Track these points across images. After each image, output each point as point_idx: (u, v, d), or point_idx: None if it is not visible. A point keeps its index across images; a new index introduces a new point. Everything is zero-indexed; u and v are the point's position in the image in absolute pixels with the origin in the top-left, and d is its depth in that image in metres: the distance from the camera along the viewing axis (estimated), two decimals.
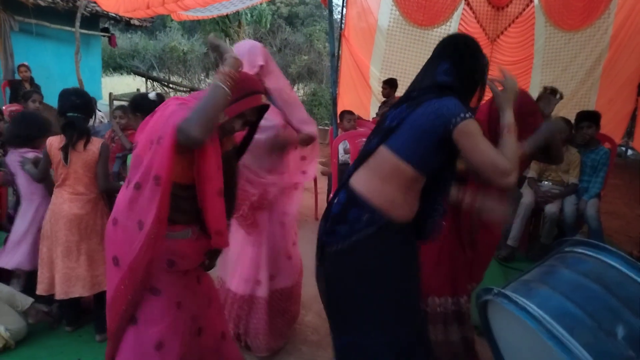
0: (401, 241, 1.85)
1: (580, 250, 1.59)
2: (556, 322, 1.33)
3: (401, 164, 1.76)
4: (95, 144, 2.90)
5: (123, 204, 1.83)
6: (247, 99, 1.85)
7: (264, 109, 2.00)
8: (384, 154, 1.80)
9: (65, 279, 2.79)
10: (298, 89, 16.99)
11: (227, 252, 2.60)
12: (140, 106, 3.00)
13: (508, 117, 1.85)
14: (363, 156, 1.87)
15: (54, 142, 2.89)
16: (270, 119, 2.47)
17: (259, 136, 2.41)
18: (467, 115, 1.68)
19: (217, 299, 2.20)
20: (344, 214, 1.84)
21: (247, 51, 2.46)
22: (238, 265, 2.69)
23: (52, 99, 9.40)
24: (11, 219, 3.41)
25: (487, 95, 2.13)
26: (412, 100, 1.80)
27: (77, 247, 2.82)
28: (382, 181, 1.79)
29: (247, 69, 2.31)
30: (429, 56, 1.95)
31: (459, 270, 2.52)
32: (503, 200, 2.22)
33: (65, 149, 2.82)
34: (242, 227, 2.64)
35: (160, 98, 3.04)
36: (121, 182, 2.85)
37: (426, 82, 1.86)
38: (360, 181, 1.84)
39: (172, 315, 1.88)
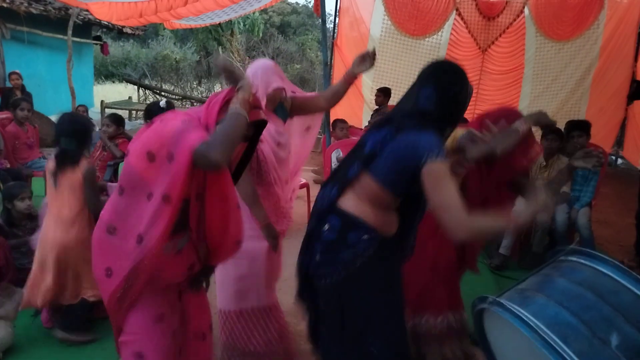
0: (394, 255, 1.90)
1: (574, 259, 1.60)
2: (550, 331, 1.34)
3: (382, 190, 1.78)
4: (82, 166, 2.85)
5: (118, 213, 1.81)
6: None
7: (262, 124, 1.96)
8: (367, 180, 1.80)
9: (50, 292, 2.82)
10: None
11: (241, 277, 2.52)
12: (153, 113, 3.04)
13: (524, 216, 1.63)
14: (346, 180, 1.84)
15: (50, 165, 2.90)
16: (286, 136, 2.50)
17: (282, 154, 2.46)
18: (441, 157, 1.64)
19: (200, 324, 2.08)
20: (342, 240, 1.80)
21: (260, 72, 2.39)
22: (261, 280, 2.59)
23: (44, 107, 9.39)
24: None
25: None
26: (393, 126, 1.78)
27: (65, 275, 2.83)
28: (370, 203, 1.81)
29: (261, 90, 2.32)
30: (420, 66, 1.95)
31: (455, 285, 2.53)
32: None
33: (54, 175, 2.83)
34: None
35: (170, 106, 3.06)
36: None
37: (408, 107, 1.83)
38: (350, 204, 1.83)
39: (150, 329, 1.86)
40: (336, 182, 1.88)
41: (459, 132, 2.36)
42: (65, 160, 2.83)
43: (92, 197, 2.83)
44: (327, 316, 1.91)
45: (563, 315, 1.39)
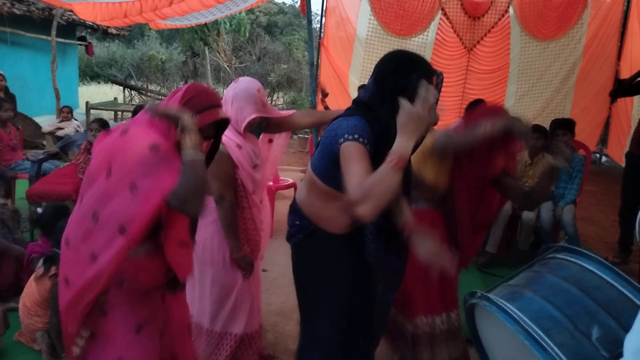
0: (330, 250, 1.93)
1: (561, 256, 1.66)
2: (534, 324, 1.38)
3: (317, 180, 1.85)
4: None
5: (75, 226, 1.76)
6: (204, 114, 1.73)
7: (223, 123, 1.89)
8: (309, 170, 1.91)
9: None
10: (278, 97, 17.02)
11: (224, 302, 2.48)
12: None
13: (399, 146, 1.54)
14: (306, 179, 2.00)
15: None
16: (261, 156, 2.49)
17: (258, 176, 2.45)
18: (350, 137, 1.64)
19: (183, 322, 2.06)
20: (288, 219, 2.05)
21: (240, 97, 2.33)
22: (244, 306, 2.55)
23: (28, 109, 9.28)
24: None
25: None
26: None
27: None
28: (313, 195, 1.92)
29: (237, 115, 2.29)
30: None
31: (450, 285, 2.50)
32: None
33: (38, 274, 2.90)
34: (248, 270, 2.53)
35: None
36: None
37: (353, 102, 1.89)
38: (299, 193, 2.02)
39: (130, 339, 1.80)
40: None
41: (436, 132, 2.37)
42: (52, 266, 2.88)
43: (55, 315, 2.76)
44: None
45: (547, 309, 1.43)
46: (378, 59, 1.89)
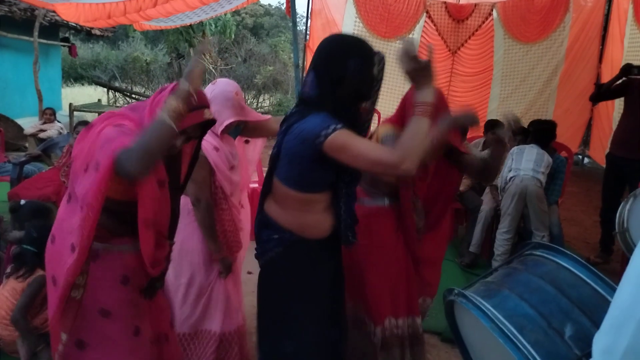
0: (312, 258, 1.89)
1: (538, 253, 1.67)
2: (508, 322, 1.39)
3: (290, 191, 1.77)
4: (33, 277, 2.81)
5: (61, 221, 1.76)
6: (191, 114, 1.69)
7: (208, 124, 1.87)
8: (275, 183, 1.81)
9: None
10: (264, 99, 16.99)
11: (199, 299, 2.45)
12: None
13: (424, 96, 1.64)
14: (266, 185, 1.88)
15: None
16: (237, 158, 2.47)
17: (236, 177, 2.43)
18: (331, 129, 1.59)
19: (159, 327, 2.02)
20: (258, 236, 1.92)
21: (218, 100, 2.29)
22: (219, 306, 2.51)
23: (10, 110, 9.16)
24: None
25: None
26: (286, 123, 1.75)
27: None
28: (285, 205, 1.82)
29: (216, 116, 2.28)
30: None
31: (413, 288, 2.45)
32: None
33: (7, 275, 2.83)
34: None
35: None
36: None
37: (297, 99, 1.81)
38: (269, 207, 1.88)
39: (129, 343, 1.78)
40: (261, 192, 1.92)
41: (381, 130, 2.29)
42: (24, 265, 2.81)
43: (21, 305, 2.71)
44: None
45: (522, 307, 1.44)
46: None
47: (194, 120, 1.73)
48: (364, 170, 1.70)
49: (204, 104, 1.78)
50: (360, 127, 1.80)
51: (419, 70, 1.65)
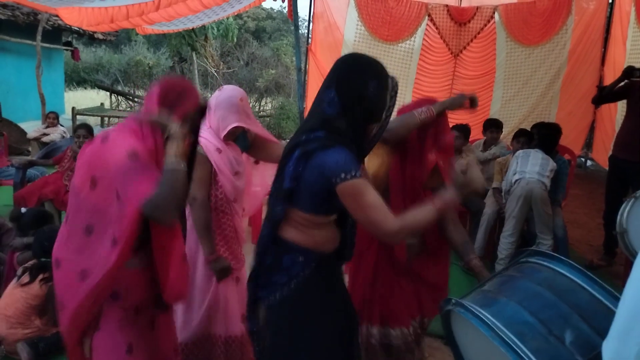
0: (334, 270, 1.90)
1: (534, 260, 1.66)
2: (508, 330, 1.38)
3: (309, 216, 1.75)
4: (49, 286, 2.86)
5: (65, 245, 1.75)
6: (183, 104, 1.76)
7: (202, 111, 1.92)
8: (294, 213, 1.76)
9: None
10: (266, 102, 17.01)
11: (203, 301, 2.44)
12: None
13: (449, 196, 1.76)
14: (276, 220, 1.79)
15: (21, 261, 3.03)
16: (243, 165, 2.48)
17: (240, 183, 2.43)
18: (350, 175, 1.59)
19: (170, 346, 2.03)
20: (278, 263, 1.79)
21: (223, 106, 2.32)
22: (222, 309, 2.51)
23: (13, 114, 9.19)
24: None
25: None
26: (302, 148, 1.70)
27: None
28: (303, 228, 1.78)
29: (220, 124, 2.29)
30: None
31: (394, 300, 2.41)
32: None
33: (19, 277, 2.90)
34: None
35: None
36: None
37: (315, 117, 1.74)
38: (285, 233, 1.79)
39: (121, 358, 1.79)
40: (268, 220, 1.83)
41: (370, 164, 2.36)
42: (44, 274, 2.87)
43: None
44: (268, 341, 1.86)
45: (521, 314, 1.43)
46: None
47: (189, 107, 1.78)
48: (362, 223, 1.70)
49: (191, 91, 1.82)
50: (367, 148, 1.82)
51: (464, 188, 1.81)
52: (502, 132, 5.23)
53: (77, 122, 10.20)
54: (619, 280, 3.95)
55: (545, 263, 1.61)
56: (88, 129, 4.56)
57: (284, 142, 2.43)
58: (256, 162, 2.71)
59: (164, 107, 1.72)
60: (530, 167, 4.15)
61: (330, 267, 1.88)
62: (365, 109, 1.71)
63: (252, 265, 1.90)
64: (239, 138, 2.44)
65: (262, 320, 1.84)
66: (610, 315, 1.25)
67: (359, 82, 1.69)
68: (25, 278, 2.87)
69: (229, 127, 2.29)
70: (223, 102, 2.31)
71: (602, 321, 1.34)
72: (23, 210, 3.45)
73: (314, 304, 1.81)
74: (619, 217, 3.16)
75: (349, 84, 1.69)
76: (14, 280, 2.92)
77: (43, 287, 2.85)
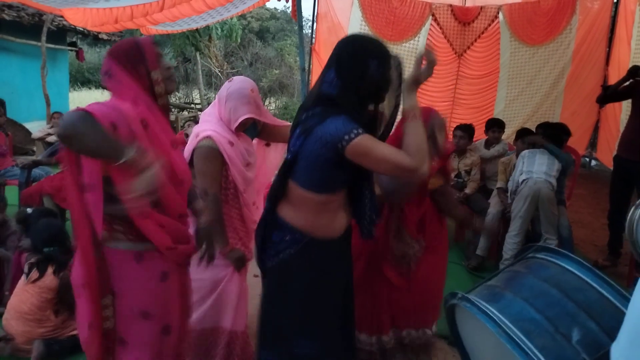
0: (324, 258, 1.90)
1: (541, 256, 1.65)
2: (515, 326, 1.38)
3: (307, 193, 1.78)
4: (61, 276, 2.88)
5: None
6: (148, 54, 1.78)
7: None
8: (291, 187, 1.81)
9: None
10: (270, 102, 17.02)
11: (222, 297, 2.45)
12: None
13: (411, 101, 1.75)
14: (276, 194, 1.88)
15: (29, 259, 2.98)
16: (255, 156, 2.49)
17: (251, 174, 2.43)
18: (354, 134, 1.62)
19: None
20: (268, 237, 1.92)
21: (234, 97, 2.32)
22: (231, 303, 2.50)
23: (18, 115, 9.23)
24: None
25: None
26: (303, 126, 1.75)
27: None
28: (300, 208, 1.83)
29: (232, 115, 2.30)
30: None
31: (382, 308, 2.47)
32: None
33: (29, 272, 2.89)
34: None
35: None
36: None
37: (315, 96, 1.79)
38: (282, 209, 1.88)
39: (161, 343, 1.83)
40: (269, 195, 1.92)
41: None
42: (53, 265, 2.89)
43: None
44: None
45: (528, 311, 1.43)
46: None
47: (154, 57, 1.80)
48: (385, 174, 1.75)
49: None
50: (372, 127, 1.83)
51: (418, 76, 1.77)
52: (504, 131, 5.22)
53: None
54: (623, 281, 3.93)
55: (552, 259, 1.60)
56: None
57: None
58: (267, 145, 2.73)
59: (131, 70, 1.73)
60: (537, 167, 4.14)
61: (324, 252, 1.89)
62: (367, 89, 1.74)
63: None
64: (248, 128, 2.45)
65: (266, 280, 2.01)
66: (618, 314, 1.24)
67: (359, 62, 1.72)
68: (35, 274, 2.87)
69: (241, 119, 2.30)
70: (234, 93, 2.32)
71: (610, 320, 1.34)
72: (29, 210, 3.46)
73: (297, 283, 1.89)
74: (627, 225, 3.12)
75: (349, 64, 1.73)
76: (22, 279, 2.92)
77: (55, 279, 2.85)
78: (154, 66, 1.79)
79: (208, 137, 2.28)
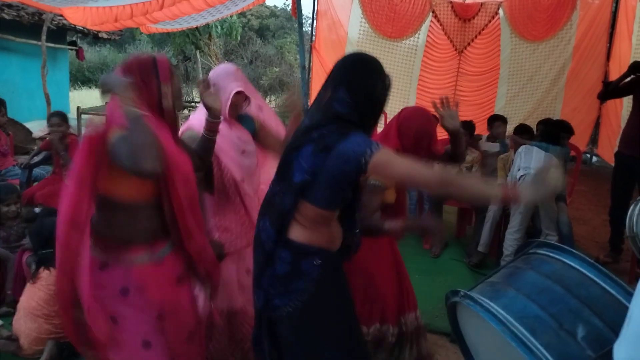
0: (341, 269, 1.90)
1: (543, 252, 1.64)
2: (519, 324, 1.37)
3: (323, 212, 1.74)
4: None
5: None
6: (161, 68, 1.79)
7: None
8: (305, 207, 1.73)
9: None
10: (270, 100, 17.01)
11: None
12: None
13: (526, 196, 1.61)
14: (284, 216, 1.75)
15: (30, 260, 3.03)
16: (253, 145, 2.45)
17: (248, 162, 2.40)
18: (375, 148, 1.62)
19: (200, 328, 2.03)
20: (296, 270, 1.75)
21: (221, 78, 2.31)
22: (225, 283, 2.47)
23: (18, 114, 9.23)
24: None
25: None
26: (318, 144, 1.69)
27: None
28: (314, 226, 1.76)
29: (223, 96, 2.24)
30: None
31: (387, 297, 2.47)
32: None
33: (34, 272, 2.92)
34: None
35: None
36: None
37: (324, 114, 1.74)
38: (296, 234, 1.76)
39: (140, 356, 1.79)
40: (273, 218, 1.79)
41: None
42: (45, 264, 2.90)
43: None
44: (287, 350, 1.83)
45: (531, 308, 1.42)
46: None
47: (167, 72, 1.82)
48: (403, 184, 1.72)
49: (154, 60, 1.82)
50: None
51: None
52: (506, 127, 5.21)
53: (82, 121, 10.23)
54: (625, 277, 3.93)
55: (554, 255, 1.59)
56: (62, 117, 4.44)
57: None
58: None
59: (139, 81, 1.75)
60: (534, 163, 4.14)
61: (340, 266, 1.89)
62: (373, 108, 1.77)
63: (255, 272, 1.86)
64: (244, 120, 2.42)
65: (284, 330, 1.80)
66: (622, 309, 1.23)
67: (369, 82, 1.74)
68: (42, 271, 2.89)
69: (231, 95, 2.27)
70: (220, 73, 2.32)
71: (614, 316, 1.33)
72: (36, 210, 3.46)
73: (335, 306, 1.81)
74: (628, 220, 3.12)
75: (360, 84, 1.73)
76: (30, 281, 2.92)
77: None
78: (166, 80, 1.79)
79: (190, 128, 2.26)
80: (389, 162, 1.64)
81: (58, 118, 4.40)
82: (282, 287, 1.76)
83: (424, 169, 1.65)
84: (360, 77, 1.74)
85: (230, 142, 2.31)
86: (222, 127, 2.24)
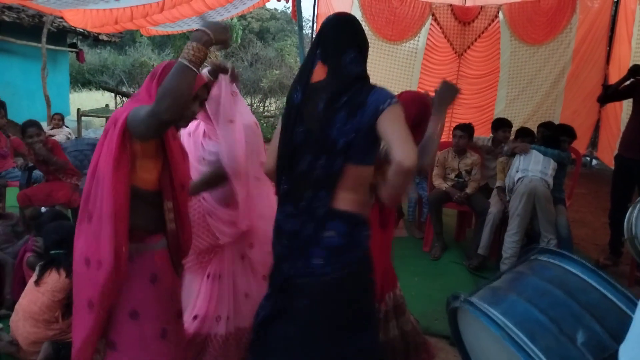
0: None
1: (544, 258, 1.64)
2: (519, 329, 1.37)
3: (366, 169, 1.76)
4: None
5: (88, 241, 1.76)
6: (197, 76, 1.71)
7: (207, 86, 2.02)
8: (351, 170, 1.71)
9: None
10: (270, 103, 17.01)
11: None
12: None
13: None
14: (332, 180, 1.71)
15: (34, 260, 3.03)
16: (215, 145, 2.37)
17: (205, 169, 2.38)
18: (394, 100, 1.69)
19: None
20: (352, 242, 1.74)
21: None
22: (195, 300, 2.52)
23: (18, 116, 9.22)
24: None
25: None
26: (349, 106, 1.69)
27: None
28: (359, 192, 1.75)
29: (224, 92, 2.28)
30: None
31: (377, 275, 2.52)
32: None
33: (38, 274, 2.88)
34: (195, 268, 2.50)
35: None
36: None
37: (342, 81, 1.74)
38: (347, 203, 1.73)
39: (156, 347, 1.80)
40: (318, 184, 1.71)
41: None
42: (54, 265, 2.87)
43: None
44: (309, 318, 1.76)
45: (532, 312, 1.42)
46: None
47: (200, 81, 1.85)
48: (391, 147, 1.61)
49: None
50: None
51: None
52: (511, 131, 5.18)
53: (82, 124, 10.24)
54: (625, 280, 3.93)
55: (555, 261, 1.60)
56: (37, 125, 4.36)
57: None
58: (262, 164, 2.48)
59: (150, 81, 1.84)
60: (532, 166, 4.16)
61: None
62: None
63: (294, 244, 1.77)
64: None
65: (317, 297, 1.75)
66: (623, 316, 1.24)
67: (363, 32, 1.90)
68: (47, 274, 2.86)
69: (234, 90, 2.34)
70: None
71: (614, 322, 1.33)
72: (43, 209, 3.46)
73: (371, 270, 1.86)
74: (626, 224, 3.12)
75: (362, 38, 1.87)
76: (32, 280, 2.90)
77: (68, 280, 2.82)
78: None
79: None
80: (397, 118, 1.68)
81: (35, 128, 4.29)
82: (336, 258, 1.72)
83: (414, 145, 1.65)
84: (356, 32, 1.87)
85: (192, 146, 2.35)
86: (192, 128, 2.35)
